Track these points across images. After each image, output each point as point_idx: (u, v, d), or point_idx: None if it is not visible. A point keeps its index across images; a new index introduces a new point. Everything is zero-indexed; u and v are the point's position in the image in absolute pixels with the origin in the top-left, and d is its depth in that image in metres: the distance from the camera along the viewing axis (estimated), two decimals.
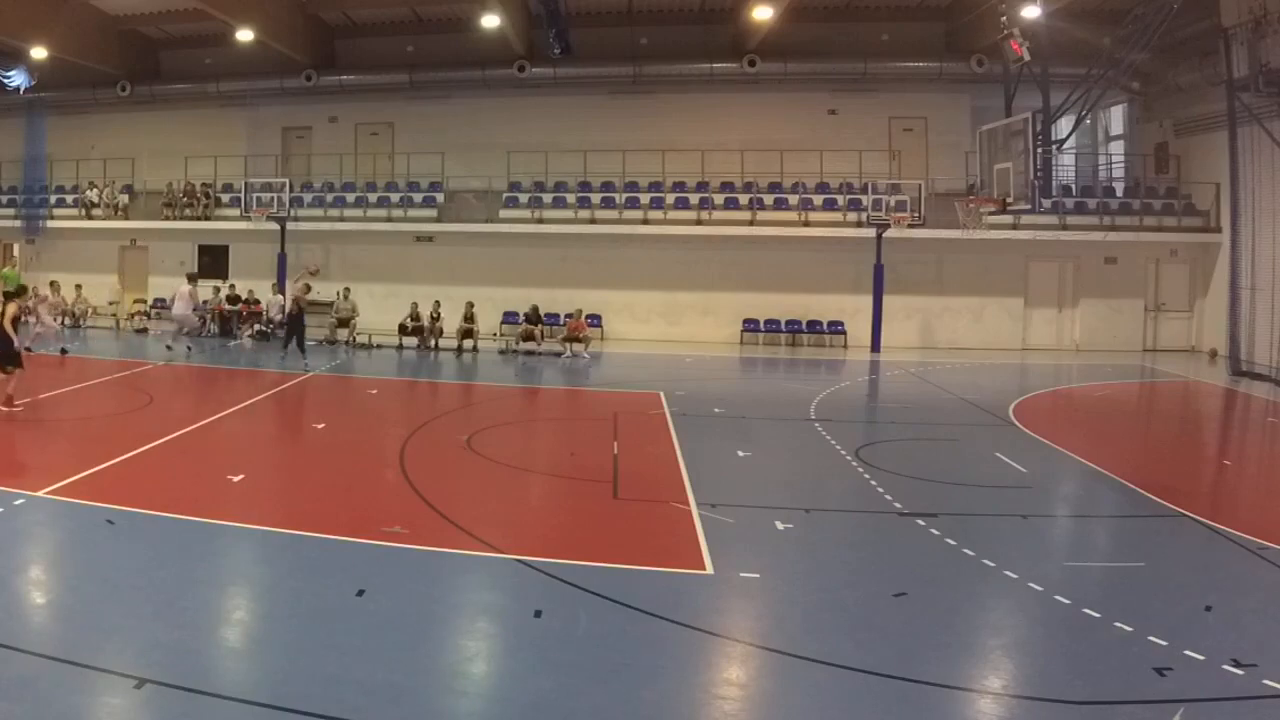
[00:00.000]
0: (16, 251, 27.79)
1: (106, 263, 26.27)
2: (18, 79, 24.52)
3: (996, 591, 6.76)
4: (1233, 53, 17.84)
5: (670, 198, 24.08)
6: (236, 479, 9.20)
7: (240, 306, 23.47)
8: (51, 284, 22.21)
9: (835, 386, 17.45)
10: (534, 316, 21.77)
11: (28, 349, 15.54)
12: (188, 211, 25.84)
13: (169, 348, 18.95)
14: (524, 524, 8.34)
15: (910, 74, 23.97)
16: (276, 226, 24.36)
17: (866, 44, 23.93)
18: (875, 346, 22.47)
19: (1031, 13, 17.41)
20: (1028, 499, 9.40)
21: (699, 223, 23.62)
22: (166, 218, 25.91)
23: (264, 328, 22.72)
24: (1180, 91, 21.85)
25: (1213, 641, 5.70)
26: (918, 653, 5.60)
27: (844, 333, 23.35)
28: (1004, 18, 17.81)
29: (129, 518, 7.75)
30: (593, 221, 24.00)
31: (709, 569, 7.00)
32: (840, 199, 23.61)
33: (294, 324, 17.58)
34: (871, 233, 22.27)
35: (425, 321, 21.54)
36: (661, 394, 15.11)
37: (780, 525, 8.15)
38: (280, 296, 23.99)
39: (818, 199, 23.72)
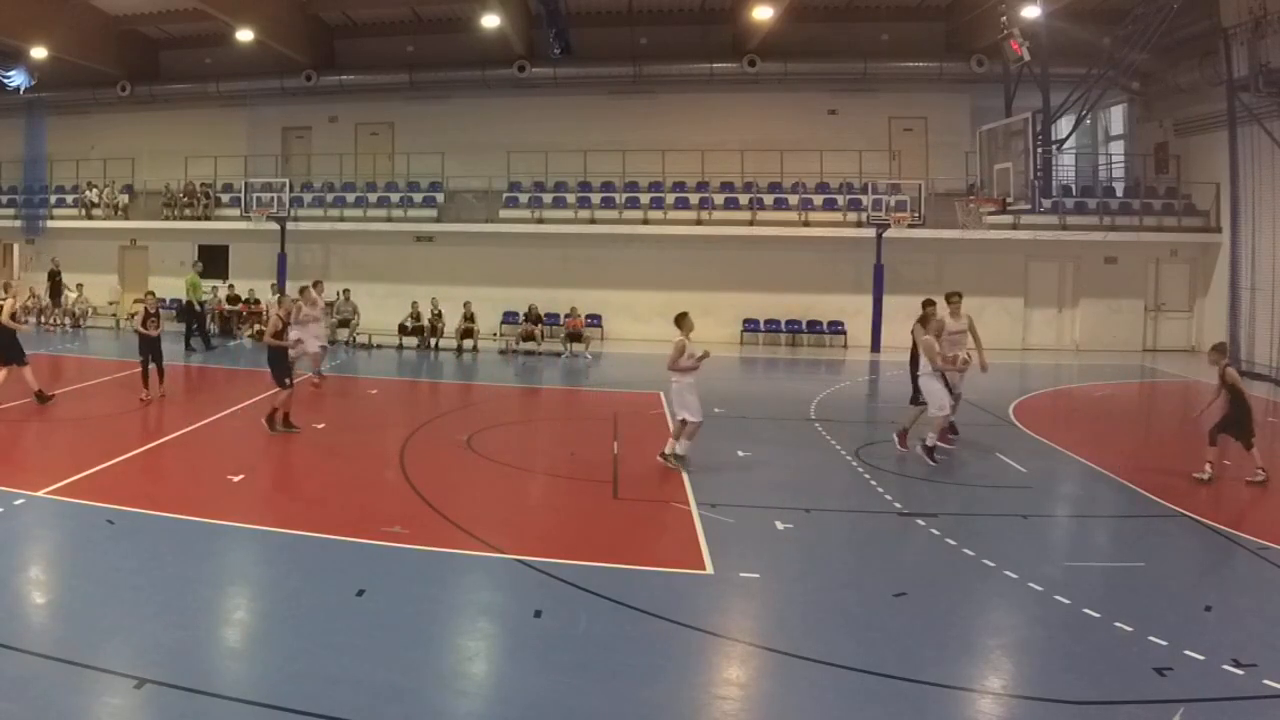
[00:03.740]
0: (17, 251, 27.78)
1: (106, 263, 26.28)
2: (18, 79, 24.52)
3: (996, 591, 6.76)
4: (1233, 53, 17.84)
5: (670, 198, 24.07)
6: (236, 479, 9.20)
7: (240, 307, 23.48)
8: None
9: (835, 386, 17.43)
10: (534, 316, 21.76)
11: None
12: (188, 211, 25.83)
13: None
14: (524, 524, 8.34)
15: (910, 74, 23.96)
16: (276, 226, 24.36)
17: (866, 44, 23.93)
18: (875, 346, 22.45)
19: (1031, 13, 17.43)
20: (1028, 499, 9.40)
21: (699, 223, 23.61)
22: (166, 218, 25.91)
23: (264, 328, 22.65)
24: (1180, 91, 21.82)
25: (1213, 641, 5.70)
26: (918, 653, 5.59)
27: (844, 333, 23.34)
28: (1004, 18, 17.82)
29: (129, 518, 7.76)
30: (593, 221, 23.99)
31: (709, 569, 7.00)
32: (840, 199, 23.60)
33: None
34: (871, 233, 22.26)
35: (425, 321, 21.55)
36: (662, 394, 15.09)
37: (780, 525, 8.15)
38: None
39: (818, 199, 23.71)
